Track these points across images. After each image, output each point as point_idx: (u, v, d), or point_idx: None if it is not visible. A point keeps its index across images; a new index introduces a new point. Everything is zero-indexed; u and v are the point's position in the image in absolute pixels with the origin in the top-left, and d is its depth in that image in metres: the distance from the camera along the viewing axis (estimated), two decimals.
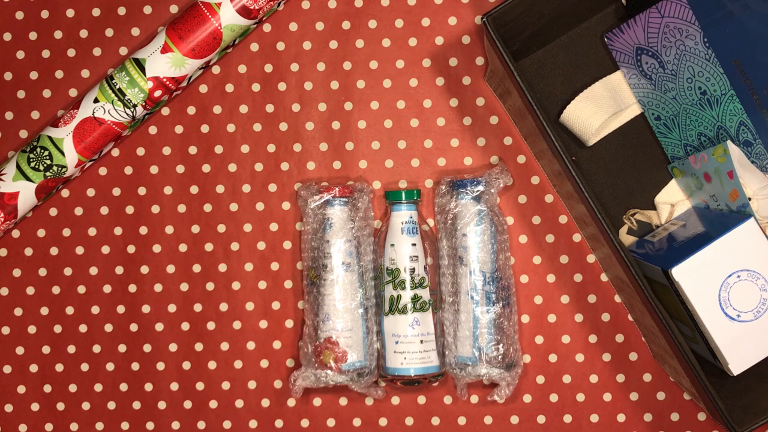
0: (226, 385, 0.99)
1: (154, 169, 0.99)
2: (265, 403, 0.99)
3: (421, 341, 0.93)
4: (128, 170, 0.99)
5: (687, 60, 0.89)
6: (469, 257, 0.93)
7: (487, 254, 0.93)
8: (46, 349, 1.00)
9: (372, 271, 0.95)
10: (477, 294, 0.92)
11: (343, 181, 0.98)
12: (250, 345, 0.99)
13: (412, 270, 0.93)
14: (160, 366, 0.99)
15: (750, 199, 0.87)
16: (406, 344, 0.93)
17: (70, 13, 0.99)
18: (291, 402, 0.99)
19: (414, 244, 0.94)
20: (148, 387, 0.99)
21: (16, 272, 1.00)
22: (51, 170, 0.94)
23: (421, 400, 0.98)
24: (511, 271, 0.96)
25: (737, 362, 0.83)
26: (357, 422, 0.98)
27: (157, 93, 0.93)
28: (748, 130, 0.89)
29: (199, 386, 0.99)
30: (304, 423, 0.98)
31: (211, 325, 0.99)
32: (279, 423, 0.99)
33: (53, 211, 0.99)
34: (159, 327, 0.99)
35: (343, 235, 0.94)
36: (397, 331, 0.93)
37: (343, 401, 0.98)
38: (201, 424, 0.99)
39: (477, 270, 0.92)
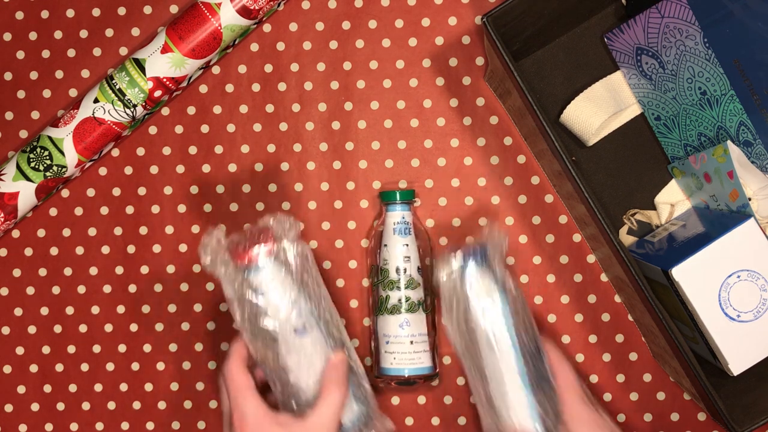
0: None
1: (154, 169, 0.99)
2: None
3: (411, 342, 0.92)
4: (128, 170, 0.99)
5: (687, 60, 0.89)
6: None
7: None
8: (46, 349, 0.99)
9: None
10: None
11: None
12: None
13: (404, 270, 0.93)
14: (160, 366, 0.99)
15: (750, 199, 0.87)
16: (396, 344, 0.92)
17: (70, 13, 0.99)
18: None
19: (406, 245, 0.93)
20: (148, 387, 0.99)
21: (16, 272, 1.00)
22: (51, 170, 0.94)
23: (421, 400, 0.98)
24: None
25: (737, 362, 0.83)
26: None
27: (157, 93, 0.93)
28: (748, 130, 0.89)
29: (199, 386, 0.99)
30: None
31: (211, 326, 0.99)
32: None
33: (53, 211, 0.99)
34: (159, 327, 0.99)
35: (283, 298, 0.78)
36: (388, 331, 0.93)
37: None
38: (201, 424, 0.99)
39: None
